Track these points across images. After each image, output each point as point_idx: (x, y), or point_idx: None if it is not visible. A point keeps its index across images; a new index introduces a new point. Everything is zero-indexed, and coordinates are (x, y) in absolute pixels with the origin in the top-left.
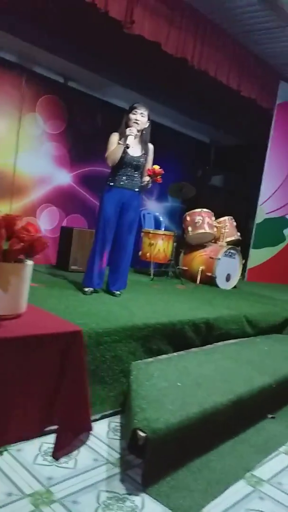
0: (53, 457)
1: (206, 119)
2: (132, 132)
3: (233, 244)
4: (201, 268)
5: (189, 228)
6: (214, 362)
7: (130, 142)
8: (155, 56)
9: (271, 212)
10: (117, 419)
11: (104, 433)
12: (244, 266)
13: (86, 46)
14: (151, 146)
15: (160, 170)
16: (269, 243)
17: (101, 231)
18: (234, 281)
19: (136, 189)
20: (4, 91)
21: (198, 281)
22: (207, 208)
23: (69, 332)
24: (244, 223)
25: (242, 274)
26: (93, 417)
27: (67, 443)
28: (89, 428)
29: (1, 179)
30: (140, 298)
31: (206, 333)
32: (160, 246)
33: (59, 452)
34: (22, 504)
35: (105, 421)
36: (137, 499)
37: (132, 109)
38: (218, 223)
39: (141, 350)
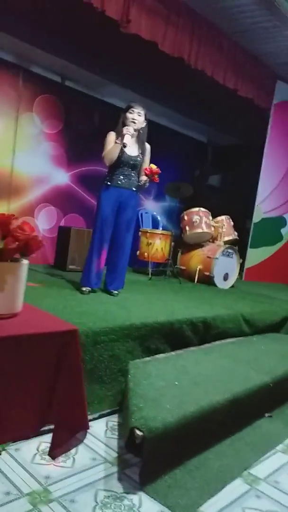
0: (50, 456)
1: (203, 119)
2: (129, 131)
3: (230, 243)
4: (199, 267)
5: (187, 228)
6: (212, 361)
7: (127, 142)
8: (152, 55)
9: (269, 211)
10: (115, 418)
11: (102, 432)
12: (242, 266)
13: (83, 46)
14: (148, 146)
15: (157, 169)
16: (267, 243)
17: (98, 230)
18: (231, 280)
19: (134, 188)
20: (1, 90)
21: (196, 281)
22: (204, 208)
23: (65, 331)
24: (241, 223)
25: (240, 274)
26: (91, 416)
27: (63, 441)
28: (85, 427)
29: None
30: (138, 298)
31: (203, 332)
32: (157, 246)
33: (56, 451)
34: (20, 503)
35: (103, 420)
36: (134, 498)
37: (128, 108)
38: (215, 222)
39: (139, 349)
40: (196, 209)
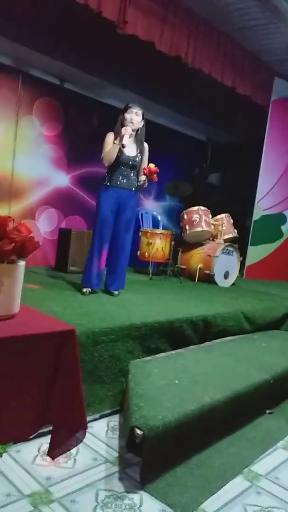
0: (49, 456)
1: (202, 117)
2: (127, 131)
3: (230, 241)
4: (199, 266)
5: (187, 227)
6: (212, 359)
7: (126, 142)
8: (150, 55)
9: (268, 208)
10: (116, 418)
11: (103, 432)
12: (243, 264)
13: (81, 48)
14: (146, 145)
15: (156, 168)
16: (267, 240)
17: (98, 231)
18: (232, 278)
19: (133, 189)
20: (0, 94)
21: (196, 279)
22: (204, 206)
23: (62, 331)
24: (241, 221)
25: (241, 271)
26: (92, 417)
27: (63, 442)
28: (84, 427)
29: None
30: (138, 298)
31: (204, 331)
32: (158, 245)
33: (55, 451)
34: (21, 505)
35: (104, 421)
36: (135, 497)
37: (126, 108)
38: (215, 220)
39: (139, 349)
40: (196, 207)
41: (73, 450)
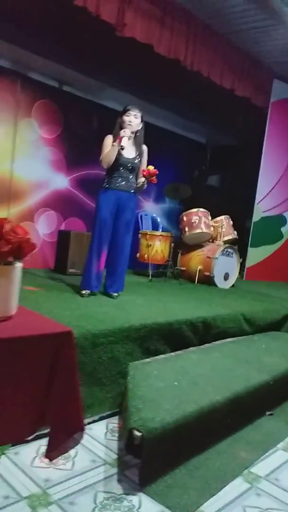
0: (47, 458)
1: (202, 120)
2: (126, 133)
3: (230, 243)
4: (199, 267)
5: (186, 228)
6: (212, 360)
7: (124, 144)
8: (149, 58)
9: (268, 210)
10: (115, 420)
11: (102, 434)
12: (243, 265)
13: (80, 50)
14: (145, 148)
15: (155, 170)
16: (267, 242)
17: (97, 233)
18: (232, 280)
19: (132, 191)
20: None
21: (196, 281)
22: (204, 208)
23: (59, 333)
24: (241, 222)
25: (241, 273)
26: (91, 419)
27: (60, 443)
28: (81, 428)
29: None
30: (138, 299)
31: (203, 332)
32: (157, 247)
33: (52, 453)
34: (19, 507)
35: (103, 423)
36: (134, 499)
37: (125, 111)
38: (214, 222)
39: (138, 351)
40: (195, 209)
41: (72, 452)
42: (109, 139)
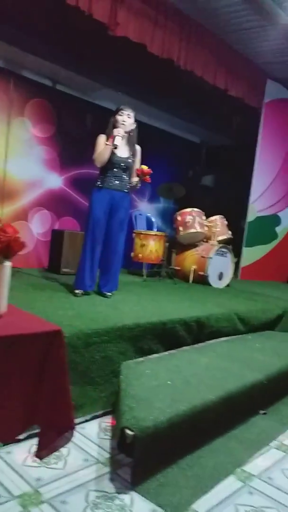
0: (37, 457)
1: (196, 120)
2: (119, 133)
3: (224, 242)
4: (193, 267)
5: (180, 228)
6: (205, 360)
7: (118, 143)
8: (142, 58)
9: (263, 210)
10: (108, 419)
11: (94, 433)
12: (238, 265)
13: (73, 49)
14: (138, 147)
15: (149, 169)
16: (262, 241)
17: (91, 232)
18: (226, 279)
19: (126, 190)
20: None
21: (190, 281)
22: (199, 208)
23: (49, 332)
24: (236, 222)
25: (236, 273)
26: (83, 418)
27: (50, 442)
28: (71, 427)
29: None
30: (132, 299)
31: (197, 332)
32: (152, 247)
33: (42, 451)
34: (10, 506)
35: (96, 422)
36: (126, 498)
37: (118, 110)
38: (209, 222)
39: (131, 350)
40: (189, 209)
41: (64, 451)
42: (102, 138)
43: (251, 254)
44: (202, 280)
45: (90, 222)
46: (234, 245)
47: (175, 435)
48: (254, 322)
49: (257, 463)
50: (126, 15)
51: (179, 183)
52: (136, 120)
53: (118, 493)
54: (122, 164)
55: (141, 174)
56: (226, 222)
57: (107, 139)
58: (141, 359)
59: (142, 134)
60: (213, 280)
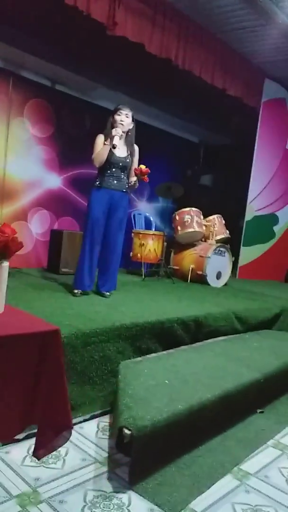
0: (35, 457)
1: (194, 119)
2: (117, 132)
3: (222, 242)
4: (191, 266)
5: (178, 227)
6: (203, 359)
7: (116, 143)
8: (141, 57)
9: (260, 209)
10: (106, 419)
11: (93, 433)
12: (236, 264)
13: (72, 49)
14: (136, 147)
15: (147, 169)
16: (260, 240)
17: (89, 232)
18: (224, 278)
19: (124, 190)
20: None
21: (189, 280)
22: (197, 207)
23: (46, 332)
24: (234, 222)
25: (234, 272)
26: (82, 417)
27: (48, 441)
28: (69, 426)
29: None
30: (130, 298)
31: (195, 331)
32: (150, 246)
33: (40, 451)
34: (9, 505)
35: (94, 421)
36: (124, 497)
37: (116, 110)
38: (207, 221)
39: (130, 350)
40: (187, 208)
41: (62, 451)
42: (100, 138)
43: (249, 253)
44: (200, 279)
45: (89, 222)
46: (232, 244)
47: (173, 434)
48: (252, 321)
49: (254, 462)
50: (124, 15)
51: (178, 182)
52: (134, 120)
53: (116, 492)
54: (120, 164)
55: (139, 174)
56: (223, 222)
57: (106, 139)
58: (139, 358)
59: (141, 134)
60: (211, 279)
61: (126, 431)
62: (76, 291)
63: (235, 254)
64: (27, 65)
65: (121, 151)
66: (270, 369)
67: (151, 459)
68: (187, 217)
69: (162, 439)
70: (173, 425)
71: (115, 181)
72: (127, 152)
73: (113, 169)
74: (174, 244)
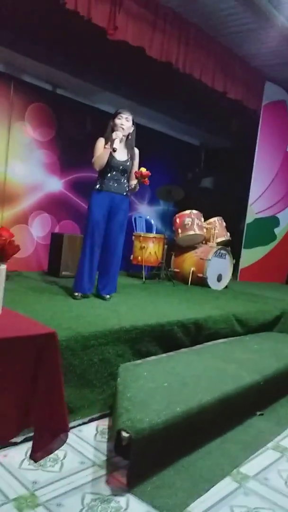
0: (32, 459)
1: (195, 122)
2: (118, 136)
3: (223, 244)
4: (192, 269)
5: (179, 230)
6: (203, 361)
7: (116, 146)
8: (142, 61)
9: (261, 211)
10: (105, 422)
11: (91, 436)
12: (236, 266)
13: (73, 53)
14: (137, 150)
15: (147, 172)
16: (261, 243)
17: (90, 235)
18: (225, 281)
19: (124, 193)
20: None
21: (189, 283)
22: (198, 210)
23: (43, 334)
24: (235, 224)
25: (235, 274)
26: (81, 420)
27: (45, 444)
28: (65, 429)
29: None
30: (130, 301)
31: (195, 333)
32: (151, 249)
33: (37, 454)
34: (6, 509)
35: (93, 424)
36: (122, 500)
37: (116, 114)
38: (207, 224)
39: (129, 353)
40: (188, 211)
41: (61, 454)
42: (101, 141)
43: (249, 256)
44: (201, 282)
45: (89, 225)
46: (233, 247)
47: (171, 436)
48: (252, 324)
49: (254, 464)
50: (124, 19)
51: (179, 185)
52: (134, 123)
53: (114, 495)
54: (120, 167)
55: (139, 177)
56: (224, 224)
57: (106, 143)
58: (139, 361)
59: (141, 137)
60: (212, 282)
61: (125, 434)
62: (76, 294)
63: (236, 256)
64: (28, 69)
65: (121, 155)
66: (270, 371)
67: (149, 461)
68: (187, 220)
69: (160, 442)
70: (172, 428)
71: (116, 184)
72: (128, 155)
73: (114, 173)
74: (175, 246)
